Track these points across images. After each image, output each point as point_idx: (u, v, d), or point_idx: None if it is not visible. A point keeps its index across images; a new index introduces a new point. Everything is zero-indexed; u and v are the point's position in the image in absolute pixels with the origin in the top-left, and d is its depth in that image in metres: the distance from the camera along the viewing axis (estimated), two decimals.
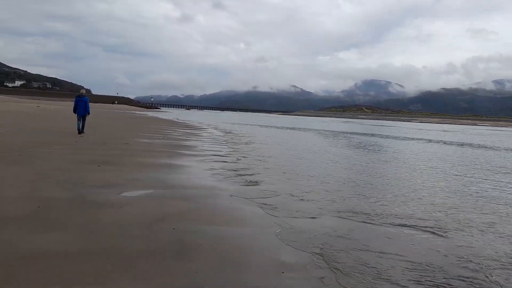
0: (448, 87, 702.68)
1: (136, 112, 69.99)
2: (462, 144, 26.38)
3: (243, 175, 9.18)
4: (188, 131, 25.28)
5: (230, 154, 13.59)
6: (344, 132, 36.80)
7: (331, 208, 6.45)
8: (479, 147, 24.65)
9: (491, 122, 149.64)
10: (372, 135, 34.47)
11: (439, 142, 27.58)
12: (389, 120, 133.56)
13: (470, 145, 26.17)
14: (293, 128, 40.77)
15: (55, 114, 32.60)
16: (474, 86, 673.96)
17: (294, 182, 8.75)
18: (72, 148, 11.38)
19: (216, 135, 23.57)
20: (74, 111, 15.93)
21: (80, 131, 15.75)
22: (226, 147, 16.21)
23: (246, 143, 18.45)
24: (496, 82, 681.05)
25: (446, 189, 8.99)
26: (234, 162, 11.37)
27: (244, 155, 13.35)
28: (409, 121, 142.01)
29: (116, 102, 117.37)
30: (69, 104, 70.35)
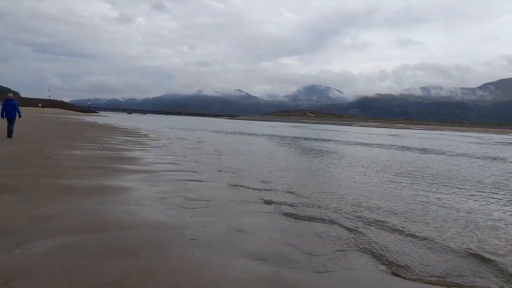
0: (382, 92, 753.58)
1: (71, 116, 63.55)
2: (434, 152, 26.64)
3: (200, 200, 7.16)
4: (130, 138, 22.38)
5: (182, 167, 11.44)
6: (297, 138, 35.94)
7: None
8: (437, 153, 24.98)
9: (423, 126, 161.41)
10: (327, 140, 33.97)
11: (403, 149, 27.61)
12: (332, 124, 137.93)
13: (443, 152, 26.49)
14: (245, 134, 39.11)
15: None
16: (404, 92, 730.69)
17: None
18: None
19: (163, 143, 21.03)
20: (2, 116, 16.02)
21: (10, 134, 16.11)
22: (176, 158, 13.97)
23: (200, 151, 16.31)
24: (423, 88, 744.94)
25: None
26: (189, 180, 9.29)
27: (200, 169, 11.28)
28: (350, 125, 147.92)
29: (41, 105, 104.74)
30: None
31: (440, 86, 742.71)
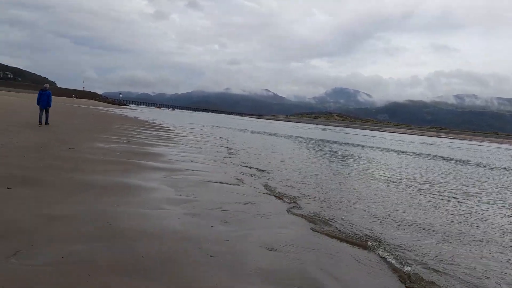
0: (413, 99, 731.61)
1: (102, 108, 64.99)
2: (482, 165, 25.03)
3: (224, 206, 6.56)
4: (156, 133, 22.21)
5: (206, 167, 10.92)
6: (325, 141, 34.87)
7: None
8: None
9: (454, 135, 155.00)
10: (357, 145, 32.73)
11: (447, 160, 26.12)
12: (360, 129, 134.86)
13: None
14: (272, 134, 38.42)
15: (4, 106, 28.35)
16: (437, 99, 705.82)
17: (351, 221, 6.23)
18: None
19: (190, 139, 20.70)
20: (38, 103, 17.20)
21: (45, 122, 17.28)
22: (203, 156, 13.51)
23: (228, 151, 15.79)
24: (457, 96, 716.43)
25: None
26: (213, 182, 8.73)
27: (226, 170, 10.73)
28: (378, 130, 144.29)
29: (74, 95, 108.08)
30: (26, 96, 64.38)
31: (475, 95, 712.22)
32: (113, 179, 7.47)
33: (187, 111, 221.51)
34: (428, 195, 10.16)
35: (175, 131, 25.87)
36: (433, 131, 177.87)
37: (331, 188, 9.86)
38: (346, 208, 7.61)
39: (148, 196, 6.56)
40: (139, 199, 6.25)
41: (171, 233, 4.74)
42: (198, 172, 9.86)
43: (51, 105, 17.63)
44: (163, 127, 29.63)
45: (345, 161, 17.58)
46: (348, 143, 33.68)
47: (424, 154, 27.69)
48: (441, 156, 27.18)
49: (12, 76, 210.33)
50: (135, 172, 8.56)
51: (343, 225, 6.24)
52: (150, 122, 34.47)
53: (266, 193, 8.18)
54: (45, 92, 17.33)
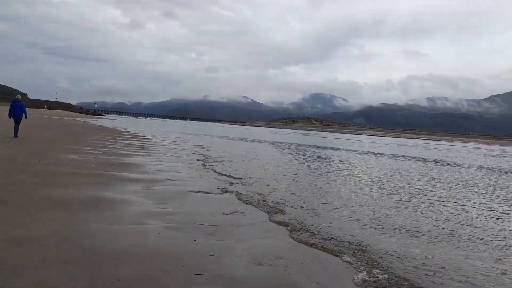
0: (388, 102, 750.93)
1: (76, 119, 62.99)
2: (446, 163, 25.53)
3: (207, 217, 6.23)
4: (133, 142, 21.55)
5: (187, 176, 10.53)
6: (305, 145, 34.94)
7: None
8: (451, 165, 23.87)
9: (428, 136, 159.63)
10: (338, 149, 32.95)
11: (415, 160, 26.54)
12: (337, 132, 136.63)
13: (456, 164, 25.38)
14: (252, 140, 38.18)
15: None
16: (410, 103, 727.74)
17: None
18: None
19: (168, 148, 20.17)
20: (10, 116, 16.73)
21: (15, 134, 16.53)
22: (182, 165, 13.08)
23: (209, 159, 15.39)
24: (429, 99, 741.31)
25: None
26: (195, 191, 8.37)
27: (206, 179, 10.37)
28: (354, 133, 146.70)
29: (46, 106, 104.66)
30: None
31: (445, 97, 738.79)
32: (86, 193, 6.99)
33: (165, 119, 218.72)
34: (410, 197, 10.14)
35: (152, 140, 25.22)
36: (407, 133, 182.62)
37: (313, 194, 9.67)
38: (329, 214, 7.42)
39: (126, 210, 6.15)
40: (116, 214, 5.82)
41: (151, 251, 4.38)
42: (177, 182, 9.46)
43: (27, 116, 17.32)
44: (140, 136, 28.87)
45: (325, 165, 17.52)
46: (328, 147, 33.88)
47: (402, 156, 28.14)
48: (419, 157, 27.67)
49: None
50: (110, 185, 8.09)
51: (324, 232, 6.03)
52: (126, 132, 33.57)
53: (248, 202, 7.88)
54: (17, 103, 16.76)
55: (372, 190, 10.75)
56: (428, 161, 25.14)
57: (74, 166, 10.16)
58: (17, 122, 16.70)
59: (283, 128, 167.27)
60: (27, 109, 17.73)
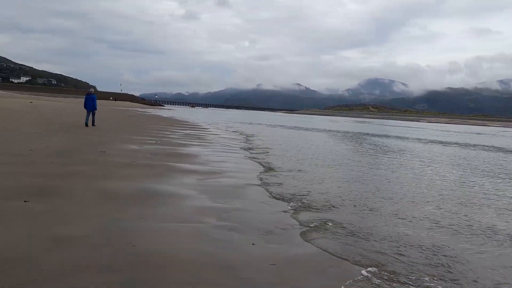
0: (453, 86, 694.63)
1: (138, 109, 66.46)
2: None
3: (270, 222, 5.63)
4: (190, 132, 21.76)
5: (244, 168, 10.05)
6: (366, 134, 33.07)
7: None
8: None
9: (501, 123, 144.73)
10: (407, 138, 30.73)
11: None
12: (397, 120, 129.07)
13: None
14: (307, 129, 37.08)
15: (44, 111, 29.18)
16: (479, 86, 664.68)
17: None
18: (19, 162, 7.84)
19: (224, 137, 20.03)
20: (85, 107, 18.59)
21: (92, 123, 18.46)
22: (239, 156, 12.67)
23: (264, 150, 14.85)
24: (501, 82, 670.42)
25: None
26: (253, 184, 7.84)
27: (270, 172, 9.80)
28: (417, 120, 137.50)
29: (112, 98, 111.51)
30: (69, 101, 66.89)
31: None
32: (142, 186, 6.75)
33: (220, 109, 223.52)
34: None
35: (208, 130, 25.36)
36: (477, 119, 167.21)
37: (378, 195, 8.64)
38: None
39: (180, 206, 5.75)
40: (170, 210, 5.44)
41: (202, 256, 3.85)
42: (233, 173, 9.00)
43: (97, 107, 18.95)
44: (197, 126, 29.27)
45: (399, 158, 16.08)
46: (399, 137, 31.62)
47: (482, 146, 25.31)
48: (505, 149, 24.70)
49: (55, 83, 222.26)
50: (166, 177, 7.84)
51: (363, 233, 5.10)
52: (183, 121, 34.34)
53: (306, 208, 7.14)
54: (90, 96, 18.71)
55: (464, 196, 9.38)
56: None
57: (133, 156, 10.16)
58: (90, 112, 18.51)
59: (338, 116, 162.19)
60: (97, 101, 19.52)
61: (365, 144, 22.04)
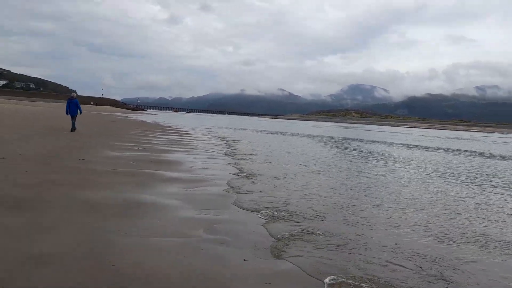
0: (432, 92, 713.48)
1: (120, 114, 65.17)
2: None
3: (260, 234, 5.37)
4: (173, 137, 21.31)
5: (230, 176, 9.77)
6: (350, 139, 33.28)
7: None
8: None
9: (479, 128, 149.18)
10: (389, 143, 31.06)
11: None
12: (379, 125, 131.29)
13: None
14: (292, 134, 37.07)
15: (21, 116, 28.13)
16: (457, 92, 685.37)
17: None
18: None
19: (209, 143, 19.67)
20: (67, 113, 18.16)
21: (72, 128, 18.17)
22: (224, 162, 12.38)
23: (248, 156, 14.61)
24: (478, 88, 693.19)
25: None
26: (241, 192, 7.57)
27: (253, 178, 9.55)
28: (398, 125, 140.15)
29: (93, 103, 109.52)
30: (48, 105, 64.97)
31: (497, 86, 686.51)
32: (124, 196, 6.40)
33: (204, 114, 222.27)
34: None
35: (192, 135, 24.95)
36: (456, 125, 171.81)
37: (354, 208, 8.53)
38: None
39: (165, 218, 5.44)
40: (154, 223, 5.12)
41: (193, 275, 3.58)
42: (220, 182, 8.72)
43: (82, 111, 18.91)
44: (180, 131, 28.80)
45: (388, 166, 16.11)
46: (384, 142, 31.94)
47: (470, 152, 25.79)
48: (494, 154, 25.22)
49: (34, 86, 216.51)
50: (149, 186, 7.49)
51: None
52: (167, 127, 33.77)
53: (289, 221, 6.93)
54: (73, 101, 18.32)
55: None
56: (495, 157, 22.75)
57: (114, 163, 9.75)
58: (73, 117, 18.29)
59: (321, 121, 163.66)
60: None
61: (350, 149, 22.09)
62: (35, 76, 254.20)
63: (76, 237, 4.24)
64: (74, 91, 22.92)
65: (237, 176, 9.66)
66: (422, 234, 5.67)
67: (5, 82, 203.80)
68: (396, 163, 15.85)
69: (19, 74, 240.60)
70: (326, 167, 13.18)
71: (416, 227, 6.05)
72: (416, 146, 28.27)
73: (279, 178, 9.80)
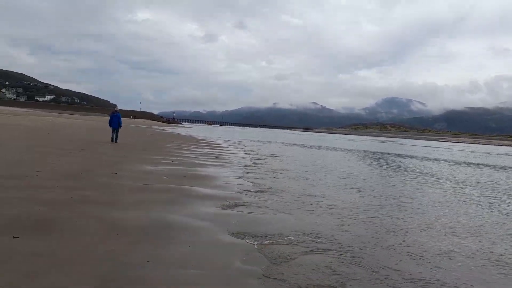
0: (473, 105, 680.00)
1: (157, 127, 66.77)
2: None
3: (310, 266, 4.61)
4: (207, 150, 21.00)
5: (268, 192, 9.06)
6: (392, 154, 31.62)
7: None
8: None
9: None
10: (440, 160, 29.19)
11: None
12: (416, 139, 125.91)
13: None
14: (326, 148, 35.89)
15: (63, 129, 29.15)
16: (500, 105, 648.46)
17: None
18: (20, 185, 7.11)
19: (242, 157, 19.13)
20: (110, 125, 19.30)
21: (115, 141, 19.13)
22: (257, 177, 11.71)
23: (282, 171, 13.87)
24: None
25: None
26: (278, 211, 6.84)
27: (288, 198, 8.79)
28: (436, 140, 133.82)
29: (132, 116, 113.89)
30: (90, 119, 67.87)
31: None
32: (153, 216, 5.86)
33: (237, 127, 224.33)
34: None
35: (226, 148, 24.56)
36: (500, 139, 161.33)
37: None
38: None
39: (198, 242, 4.80)
40: (185, 251, 4.48)
41: None
42: (257, 200, 8.02)
43: (122, 125, 19.77)
44: (215, 144, 28.56)
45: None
46: (427, 158, 30.09)
47: None
48: None
49: (78, 101, 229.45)
50: (181, 204, 6.93)
51: None
52: (201, 140, 33.77)
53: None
54: (115, 114, 19.38)
55: None
56: None
57: (146, 179, 9.35)
58: (115, 130, 19.18)
59: (355, 134, 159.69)
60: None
61: (395, 167, 20.72)
62: (80, 92, 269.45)
63: (96, 270, 3.66)
64: (115, 106, 23.86)
65: (273, 193, 8.93)
66: None
67: (52, 97, 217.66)
68: (444, 182, 14.44)
69: (66, 89, 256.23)
70: (367, 187, 12.14)
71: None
72: (477, 164, 26.23)
73: (318, 196, 8.96)
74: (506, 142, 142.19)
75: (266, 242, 5.14)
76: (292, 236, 5.54)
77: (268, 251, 4.74)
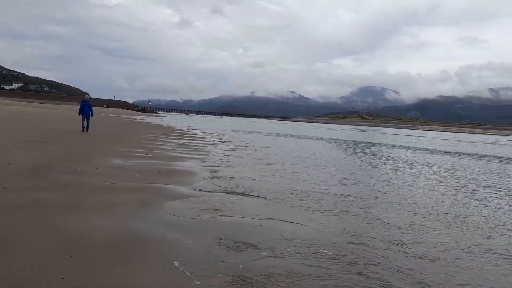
0: (444, 94, 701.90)
1: (131, 116, 64.42)
2: None
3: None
4: (184, 141, 19.88)
5: (250, 189, 8.21)
6: (372, 144, 31.47)
7: None
8: None
9: (495, 131, 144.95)
10: (425, 149, 29.17)
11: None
12: (392, 128, 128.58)
13: None
14: (304, 137, 35.38)
15: (28, 119, 27.10)
16: (470, 94, 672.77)
17: None
18: None
19: (221, 148, 18.16)
20: (79, 113, 19.37)
21: (86, 129, 19.23)
22: (238, 170, 10.81)
23: (273, 165, 13.04)
24: (492, 90, 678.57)
25: None
26: (281, 220, 6.00)
27: (276, 194, 7.97)
28: (411, 128, 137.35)
29: (105, 105, 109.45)
30: (60, 107, 64.55)
31: (510, 87, 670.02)
32: (121, 224, 4.87)
33: (215, 116, 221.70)
34: None
35: (205, 139, 23.47)
36: (470, 127, 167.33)
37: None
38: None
39: (171, 267, 3.89)
40: (158, 276, 3.57)
41: None
42: (240, 197, 7.16)
43: (93, 114, 20.01)
44: (193, 134, 27.38)
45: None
46: (414, 147, 30.07)
47: (506, 158, 23.79)
48: None
49: (48, 89, 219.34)
50: (154, 207, 5.95)
51: None
52: (178, 130, 32.43)
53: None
54: (86, 102, 19.31)
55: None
56: None
57: (115, 175, 8.28)
58: (85, 117, 19.25)
59: (332, 123, 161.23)
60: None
61: (381, 157, 20.35)
62: (50, 79, 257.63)
63: None
64: (87, 94, 22.35)
65: (256, 190, 8.09)
66: None
67: (20, 84, 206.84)
68: (429, 170, 14.08)
69: (34, 77, 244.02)
70: (351, 177, 11.52)
71: None
72: (462, 154, 26.34)
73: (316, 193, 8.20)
74: (475, 130, 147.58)
75: (263, 263, 4.28)
76: (284, 245, 4.71)
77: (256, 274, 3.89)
